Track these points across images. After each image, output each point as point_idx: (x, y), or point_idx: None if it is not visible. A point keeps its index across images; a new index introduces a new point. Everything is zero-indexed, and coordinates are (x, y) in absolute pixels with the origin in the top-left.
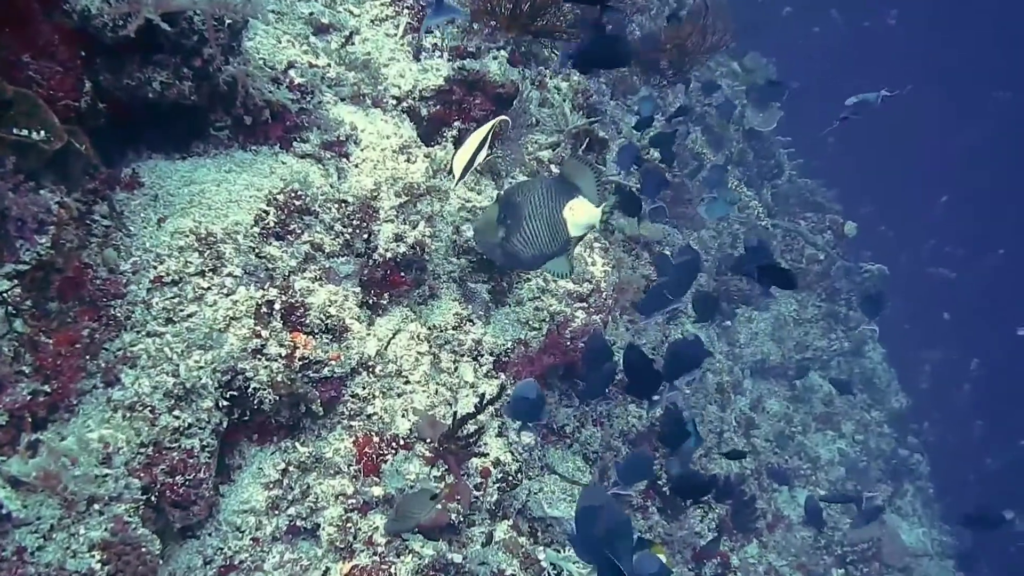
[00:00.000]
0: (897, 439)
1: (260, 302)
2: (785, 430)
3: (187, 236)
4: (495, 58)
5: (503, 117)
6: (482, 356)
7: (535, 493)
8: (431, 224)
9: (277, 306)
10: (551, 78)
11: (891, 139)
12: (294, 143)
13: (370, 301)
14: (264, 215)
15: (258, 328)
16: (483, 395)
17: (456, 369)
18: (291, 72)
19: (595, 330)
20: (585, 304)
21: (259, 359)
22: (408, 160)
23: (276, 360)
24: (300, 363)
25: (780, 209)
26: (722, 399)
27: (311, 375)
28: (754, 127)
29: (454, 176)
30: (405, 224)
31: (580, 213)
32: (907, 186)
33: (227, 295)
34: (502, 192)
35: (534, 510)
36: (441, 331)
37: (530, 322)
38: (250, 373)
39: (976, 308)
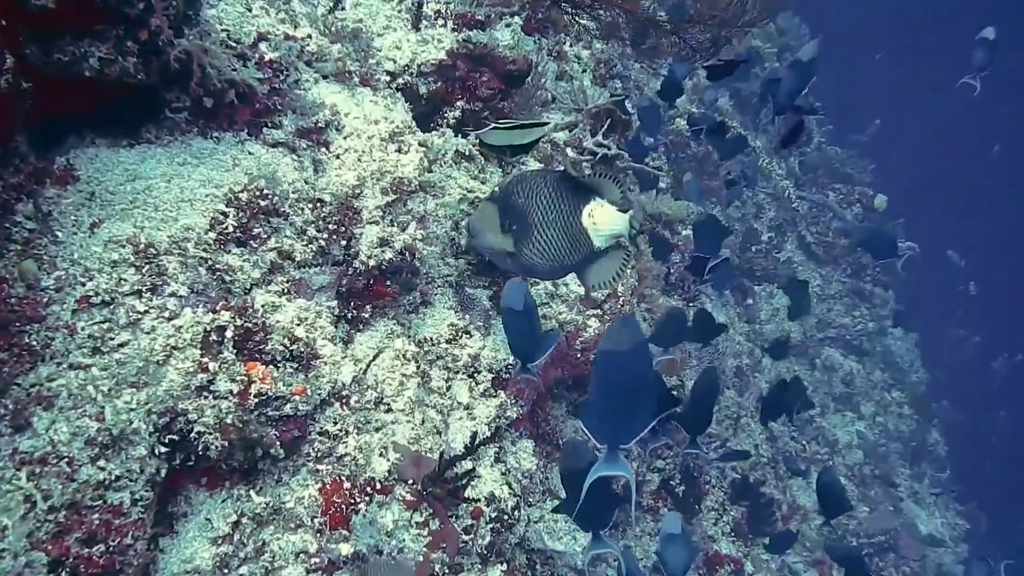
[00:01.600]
0: (918, 421)
1: (209, 327)
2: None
3: (123, 246)
4: (508, 25)
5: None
6: (479, 373)
7: (535, 522)
8: (424, 225)
9: (229, 333)
10: (571, 46)
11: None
12: (264, 129)
13: (349, 315)
14: (222, 218)
15: (205, 360)
16: (475, 434)
17: (449, 389)
18: (262, 46)
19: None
20: (599, 311)
21: (205, 398)
22: (399, 150)
23: (226, 398)
24: (256, 400)
25: (807, 179)
26: (740, 383)
27: (269, 414)
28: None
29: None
30: (393, 226)
31: (603, 220)
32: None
33: (168, 319)
34: (497, 189)
35: (533, 541)
36: (433, 344)
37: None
38: (193, 415)
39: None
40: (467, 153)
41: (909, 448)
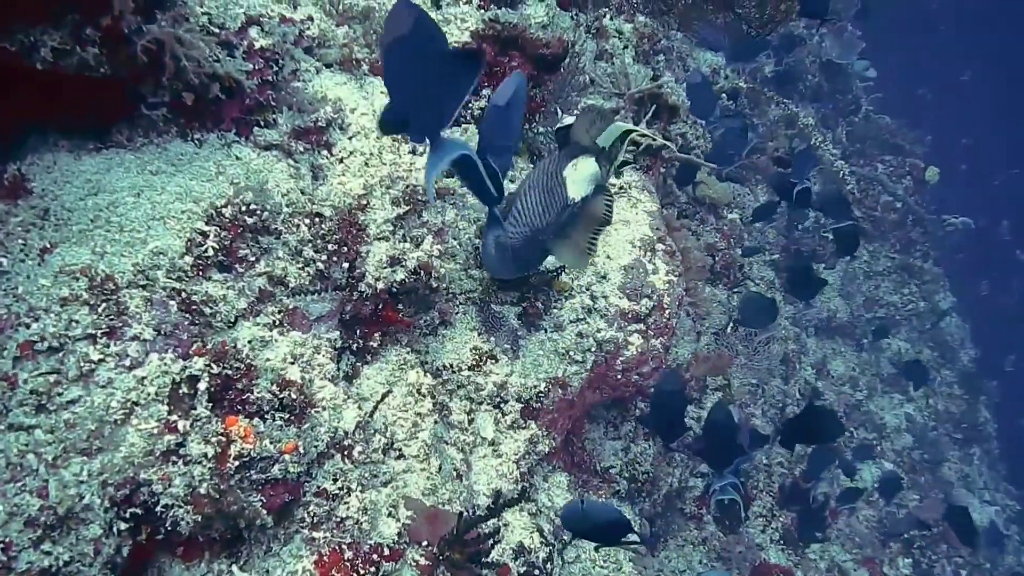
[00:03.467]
0: (968, 401)
1: (179, 377)
2: (851, 398)
3: (76, 279)
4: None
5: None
6: (506, 403)
7: (569, 563)
8: (442, 239)
9: (203, 384)
10: (612, 19)
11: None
12: (255, 129)
13: (354, 346)
14: (201, 239)
15: (173, 418)
16: (498, 492)
17: (471, 423)
18: (251, 31)
19: (666, 375)
20: (642, 326)
21: (173, 464)
22: (414, 151)
23: (199, 463)
24: (236, 463)
25: (855, 150)
26: (787, 370)
27: (253, 478)
28: (832, 59)
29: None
30: (405, 242)
31: (582, 170)
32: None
33: (129, 369)
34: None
35: None
36: (453, 372)
37: (571, 353)
38: (158, 486)
39: None
40: None
41: (959, 429)
